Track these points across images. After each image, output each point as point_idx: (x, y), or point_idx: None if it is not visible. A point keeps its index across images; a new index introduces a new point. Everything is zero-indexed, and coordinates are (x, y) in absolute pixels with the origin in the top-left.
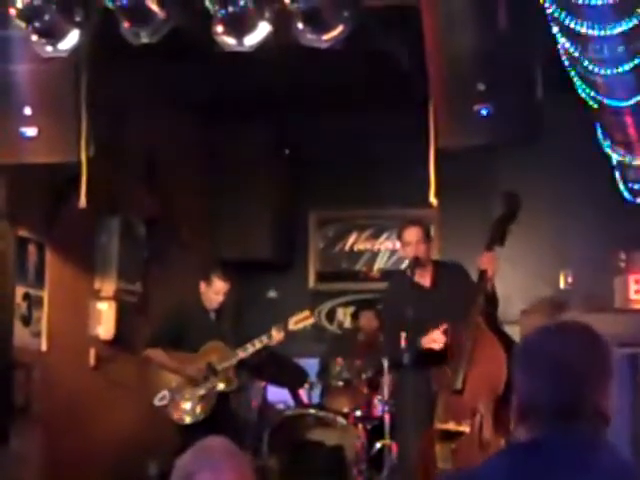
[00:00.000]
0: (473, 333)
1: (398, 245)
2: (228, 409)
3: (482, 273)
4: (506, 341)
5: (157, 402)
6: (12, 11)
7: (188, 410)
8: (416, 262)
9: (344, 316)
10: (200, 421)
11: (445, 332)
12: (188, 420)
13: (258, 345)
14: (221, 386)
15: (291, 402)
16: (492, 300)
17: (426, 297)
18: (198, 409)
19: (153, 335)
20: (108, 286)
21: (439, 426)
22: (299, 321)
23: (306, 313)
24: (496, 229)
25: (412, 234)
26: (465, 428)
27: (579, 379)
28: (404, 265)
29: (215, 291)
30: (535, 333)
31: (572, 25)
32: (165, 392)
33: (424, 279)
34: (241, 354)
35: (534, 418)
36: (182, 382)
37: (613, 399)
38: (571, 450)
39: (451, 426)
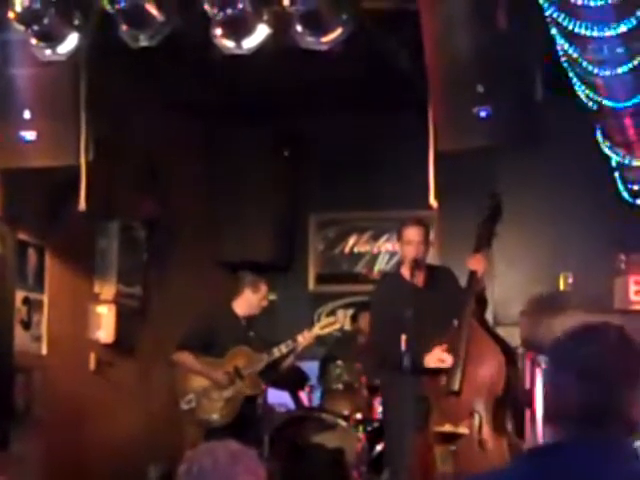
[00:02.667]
0: (467, 335)
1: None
2: (254, 413)
3: (472, 274)
4: (500, 342)
5: (184, 405)
6: (11, 15)
7: (214, 413)
8: (415, 264)
9: (344, 318)
10: (226, 424)
11: (447, 350)
12: (215, 423)
13: (284, 349)
14: (247, 390)
15: (291, 405)
16: (482, 301)
17: (421, 298)
18: (224, 412)
19: (182, 339)
20: (108, 290)
21: (436, 428)
22: (325, 326)
23: (333, 318)
24: (481, 231)
25: (415, 233)
26: (463, 430)
27: (609, 385)
28: (391, 264)
29: (262, 297)
30: (569, 334)
31: (571, 26)
32: (191, 395)
33: (417, 279)
34: (266, 358)
35: (560, 421)
36: (208, 386)
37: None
38: (591, 458)
39: (448, 428)
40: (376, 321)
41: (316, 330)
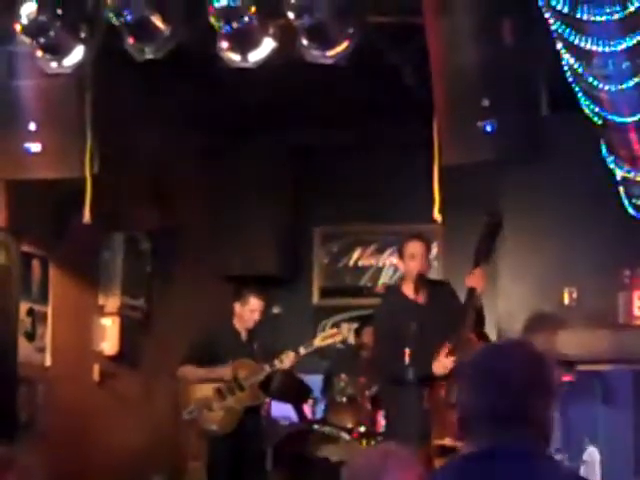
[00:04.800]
0: (467, 349)
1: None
2: (257, 425)
3: (471, 290)
4: None
5: (186, 416)
6: (17, 27)
7: (214, 423)
8: (419, 279)
9: (348, 332)
10: (228, 433)
11: (450, 353)
12: (214, 433)
13: (285, 361)
14: (247, 401)
15: (295, 418)
16: (480, 317)
17: (423, 313)
18: (224, 422)
19: (185, 355)
20: (112, 302)
21: (436, 442)
22: (326, 338)
23: (334, 330)
24: (479, 249)
25: (418, 247)
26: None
27: (519, 394)
28: (395, 278)
29: (251, 309)
30: (482, 352)
31: (576, 41)
32: (193, 406)
33: (418, 295)
34: (268, 369)
35: (476, 431)
36: (209, 396)
37: (553, 414)
38: (513, 459)
39: (448, 442)
40: (379, 336)
41: (317, 341)
